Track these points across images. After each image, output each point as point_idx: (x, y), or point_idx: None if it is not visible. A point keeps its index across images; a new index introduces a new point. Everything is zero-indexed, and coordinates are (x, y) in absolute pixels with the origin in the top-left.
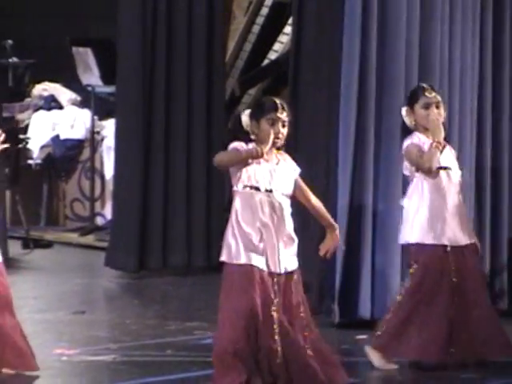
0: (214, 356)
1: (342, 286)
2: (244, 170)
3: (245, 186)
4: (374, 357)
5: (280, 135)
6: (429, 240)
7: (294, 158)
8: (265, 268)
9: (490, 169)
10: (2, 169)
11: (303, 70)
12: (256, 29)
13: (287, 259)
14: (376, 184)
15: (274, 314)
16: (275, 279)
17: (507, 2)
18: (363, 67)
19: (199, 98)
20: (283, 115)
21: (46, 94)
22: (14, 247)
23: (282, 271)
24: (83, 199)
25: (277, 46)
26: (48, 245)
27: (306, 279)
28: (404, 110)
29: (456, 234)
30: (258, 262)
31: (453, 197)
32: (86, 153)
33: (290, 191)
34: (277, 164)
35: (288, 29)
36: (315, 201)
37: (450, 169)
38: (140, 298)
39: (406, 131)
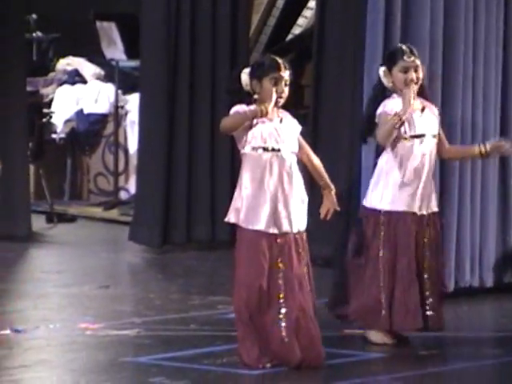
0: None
1: None
2: (250, 132)
3: (253, 148)
4: (370, 333)
5: (283, 94)
6: (396, 207)
7: (316, 128)
8: (275, 231)
9: None
10: (26, 143)
11: (327, 44)
12: (280, 3)
13: (299, 219)
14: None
15: (280, 282)
16: (287, 238)
17: None
18: (387, 41)
19: (223, 72)
20: (286, 74)
21: (69, 68)
22: (38, 221)
23: (295, 231)
24: (107, 173)
25: (301, 21)
26: (72, 219)
27: None
28: (382, 71)
29: (422, 202)
30: (267, 225)
31: (422, 164)
32: (110, 127)
33: (296, 149)
34: (280, 122)
35: (312, 3)
36: (317, 160)
37: (423, 136)
38: (164, 273)
39: (378, 91)
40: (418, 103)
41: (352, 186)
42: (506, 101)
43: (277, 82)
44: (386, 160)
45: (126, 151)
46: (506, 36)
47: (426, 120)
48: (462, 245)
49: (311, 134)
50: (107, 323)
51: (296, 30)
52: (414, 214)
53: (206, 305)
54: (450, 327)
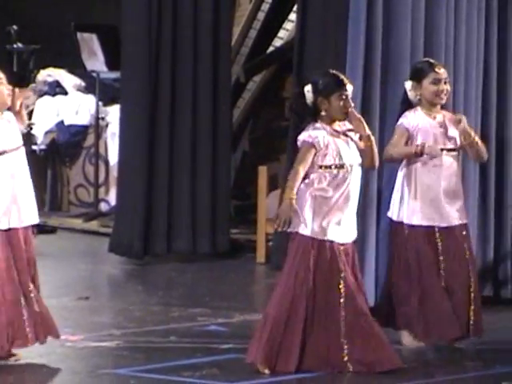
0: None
1: None
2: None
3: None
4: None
5: (350, 109)
6: (418, 221)
7: (296, 140)
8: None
9: (495, 152)
10: None
11: (308, 57)
12: (261, 16)
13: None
14: (381, 168)
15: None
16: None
17: None
18: (368, 54)
19: (205, 85)
20: (350, 88)
21: (50, 79)
22: None
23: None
24: (87, 185)
25: (282, 33)
26: (52, 230)
27: None
28: (409, 84)
29: (448, 214)
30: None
31: (446, 177)
32: (91, 139)
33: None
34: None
35: (293, 16)
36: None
37: (453, 150)
38: (144, 285)
39: (406, 105)
40: (440, 116)
41: None
42: (487, 115)
43: (344, 98)
44: (405, 173)
45: (107, 163)
46: (486, 50)
47: (453, 132)
48: None
49: (290, 147)
50: (87, 335)
51: (277, 43)
52: (439, 226)
53: (186, 317)
54: None
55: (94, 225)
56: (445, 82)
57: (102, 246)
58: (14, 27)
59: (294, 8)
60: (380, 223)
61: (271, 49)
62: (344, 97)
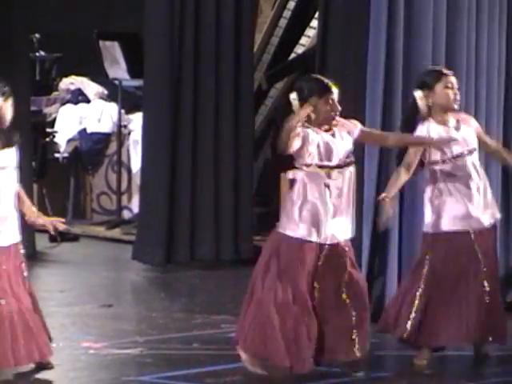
0: None
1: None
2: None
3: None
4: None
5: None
6: (442, 228)
7: None
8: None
9: None
10: (30, 162)
11: (329, 63)
12: (283, 23)
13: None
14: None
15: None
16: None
17: None
18: (389, 61)
19: (227, 92)
20: (335, 92)
21: (72, 87)
22: (41, 241)
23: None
24: (110, 193)
25: (304, 40)
26: (75, 238)
27: None
28: (418, 94)
29: (477, 217)
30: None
31: (470, 182)
32: (113, 146)
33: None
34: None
35: (315, 23)
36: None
37: (470, 153)
38: (167, 292)
39: (415, 115)
40: (453, 121)
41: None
42: (508, 120)
43: (331, 102)
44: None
45: (129, 170)
46: (508, 53)
47: (467, 133)
48: None
49: None
50: (110, 342)
51: (299, 50)
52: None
53: (209, 324)
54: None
55: (116, 232)
56: (456, 88)
57: (124, 254)
58: (37, 35)
59: (316, 15)
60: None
61: (293, 56)
62: (331, 101)
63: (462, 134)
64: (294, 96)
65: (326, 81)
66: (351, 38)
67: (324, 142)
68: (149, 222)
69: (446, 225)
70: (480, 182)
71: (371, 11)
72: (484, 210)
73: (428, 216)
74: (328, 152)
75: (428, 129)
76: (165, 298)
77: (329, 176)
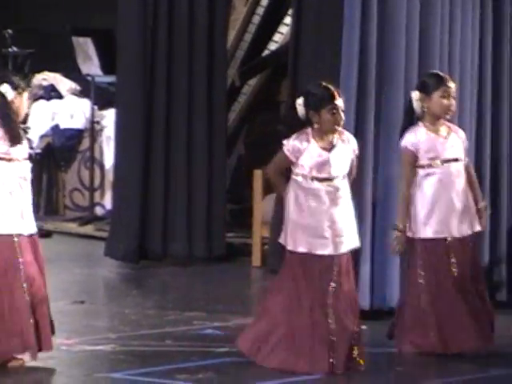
0: None
1: None
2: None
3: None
4: None
5: (341, 122)
6: (428, 234)
7: None
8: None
9: (490, 159)
10: None
11: (303, 60)
12: (256, 19)
13: None
14: (376, 173)
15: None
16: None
17: None
18: (363, 58)
19: (200, 88)
20: (340, 102)
21: (45, 83)
22: None
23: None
24: (82, 189)
25: (277, 37)
26: (47, 235)
27: None
28: (416, 95)
29: (457, 225)
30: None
31: (453, 188)
32: (86, 143)
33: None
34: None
35: (288, 19)
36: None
37: (457, 160)
38: (139, 288)
39: (410, 116)
40: (444, 129)
41: None
42: (481, 127)
43: (335, 112)
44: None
45: (102, 166)
46: (481, 61)
47: (456, 143)
48: None
49: None
50: (82, 338)
51: (272, 46)
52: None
53: (181, 320)
54: None
55: (89, 229)
56: (453, 97)
57: (97, 250)
58: (9, 31)
59: (289, 11)
60: (375, 231)
61: (266, 52)
62: (334, 111)
63: (451, 142)
64: (300, 101)
65: (332, 89)
66: (324, 34)
67: (320, 154)
68: (121, 219)
69: (431, 232)
70: (462, 192)
71: (345, 7)
72: (462, 218)
73: (415, 220)
74: (323, 164)
75: (416, 136)
76: (137, 294)
77: (325, 187)
